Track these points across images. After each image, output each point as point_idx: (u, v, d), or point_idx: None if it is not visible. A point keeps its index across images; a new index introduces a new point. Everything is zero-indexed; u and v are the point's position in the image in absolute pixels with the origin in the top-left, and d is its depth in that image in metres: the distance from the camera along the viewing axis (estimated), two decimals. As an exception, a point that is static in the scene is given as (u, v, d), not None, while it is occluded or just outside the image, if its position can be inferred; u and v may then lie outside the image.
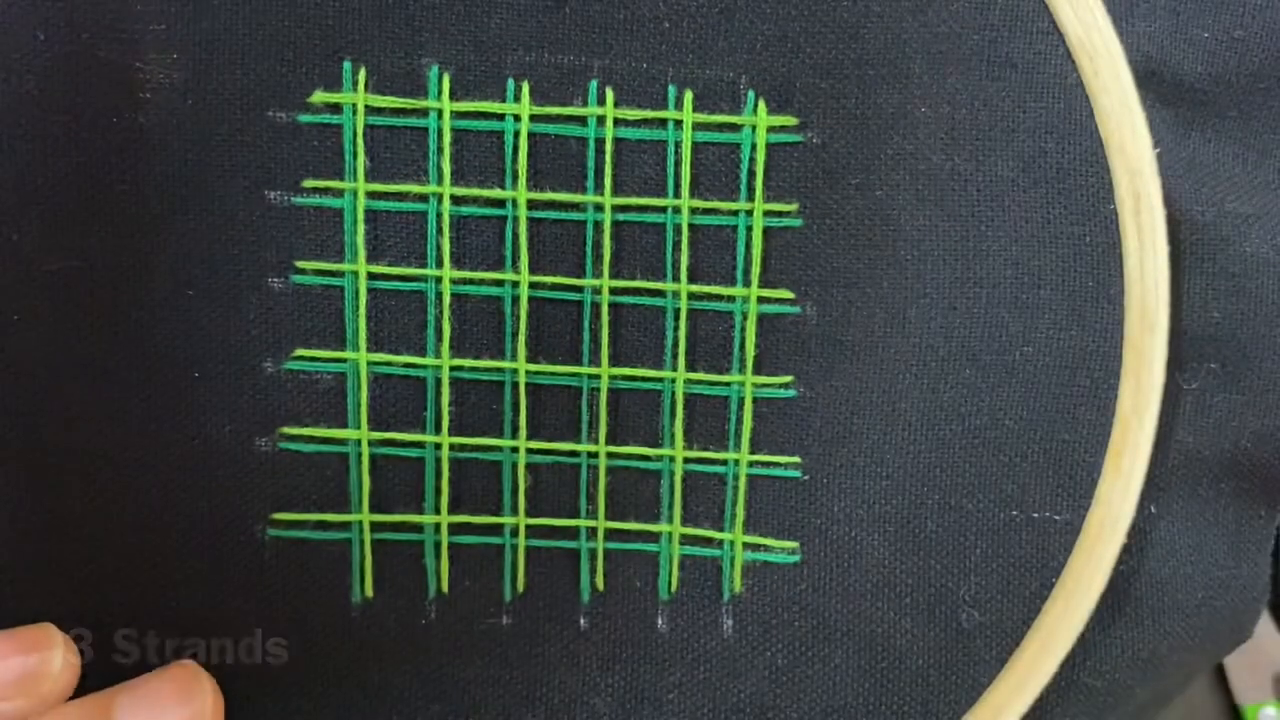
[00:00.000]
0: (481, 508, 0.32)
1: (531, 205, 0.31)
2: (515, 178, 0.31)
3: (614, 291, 0.31)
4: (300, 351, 0.31)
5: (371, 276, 0.31)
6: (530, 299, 0.31)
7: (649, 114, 0.30)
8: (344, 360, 0.31)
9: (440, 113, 0.30)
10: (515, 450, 0.32)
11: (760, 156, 0.31)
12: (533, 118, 0.30)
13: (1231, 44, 0.32)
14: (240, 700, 0.32)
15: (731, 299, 0.31)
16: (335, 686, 0.32)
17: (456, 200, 0.31)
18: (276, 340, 0.31)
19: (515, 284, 0.31)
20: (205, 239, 0.31)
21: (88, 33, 0.30)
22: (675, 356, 0.31)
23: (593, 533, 0.32)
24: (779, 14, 0.30)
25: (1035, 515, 0.32)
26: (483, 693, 0.32)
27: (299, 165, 0.31)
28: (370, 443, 0.32)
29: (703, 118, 0.31)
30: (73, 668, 0.28)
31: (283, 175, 0.31)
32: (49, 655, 0.28)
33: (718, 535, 0.32)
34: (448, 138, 0.31)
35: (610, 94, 0.30)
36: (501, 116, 0.31)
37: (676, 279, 0.31)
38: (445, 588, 0.32)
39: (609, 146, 0.31)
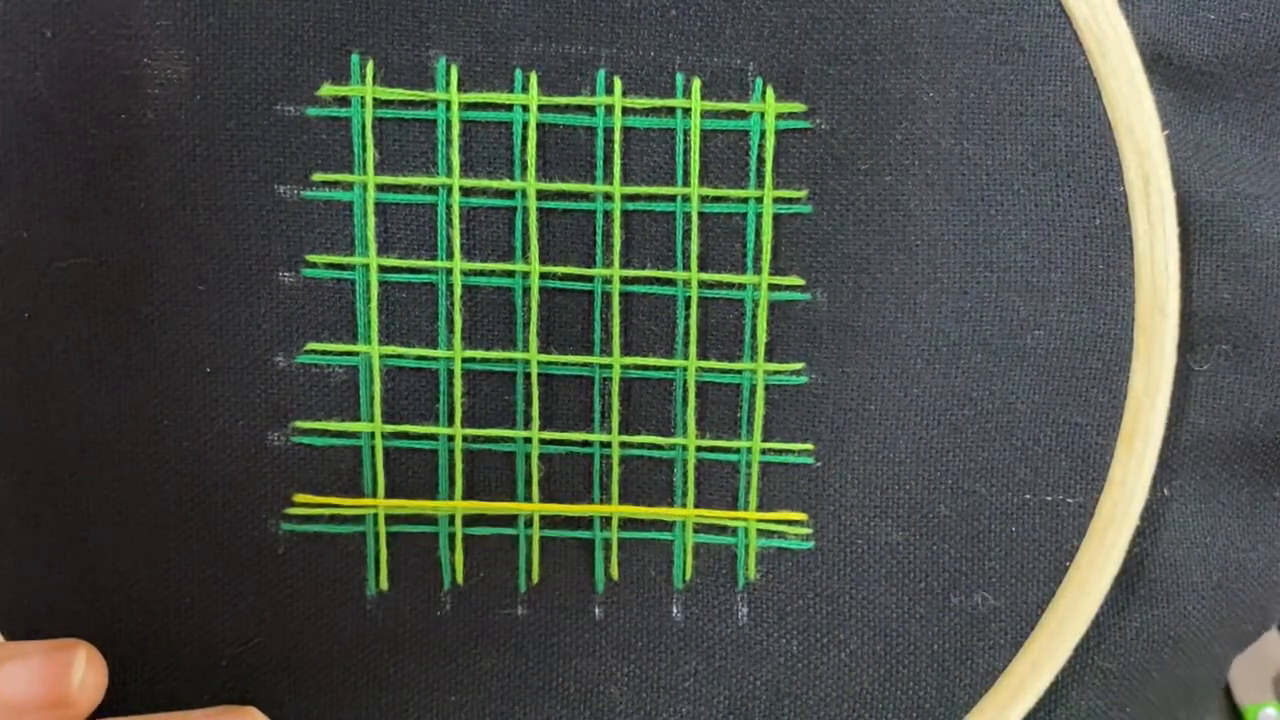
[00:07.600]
0: (495, 499, 0.32)
1: (541, 195, 0.31)
2: (524, 168, 0.31)
3: (625, 280, 0.31)
4: (312, 345, 0.31)
5: (382, 269, 0.31)
6: (541, 289, 0.31)
7: (657, 102, 0.30)
8: (356, 353, 0.31)
9: (448, 104, 0.30)
10: (528, 441, 0.32)
11: (769, 143, 0.31)
12: (541, 108, 0.30)
13: (1238, 25, 0.31)
14: (256, 694, 0.32)
15: (742, 286, 0.31)
16: (351, 680, 0.32)
17: (466, 192, 0.31)
18: (288, 334, 0.31)
19: (526, 275, 0.31)
20: (215, 234, 0.31)
21: (95, 29, 0.30)
22: (686, 345, 0.31)
23: (606, 522, 0.32)
24: (785, 0, 0.30)
25: (1048, 498, 0.32)
26: (499, 684, 0.32)
27: (308, 159, 0.31)
28: (383, 435, 0.32)
29: (711, 105, 0.31)
30: (97, 683, 0.28)
31: (292, 169, 0.31)
32: (73, 669, 0.28)
33: (731, 523, 0.32)
34: (456, 129, 0.31)
35: (618, 83, 0.30)
36: (510, 107, 0.31)
37: (687, 267, 0.31)
38: (460, 579, 0.32)
39: (617, 135, 0.31)
